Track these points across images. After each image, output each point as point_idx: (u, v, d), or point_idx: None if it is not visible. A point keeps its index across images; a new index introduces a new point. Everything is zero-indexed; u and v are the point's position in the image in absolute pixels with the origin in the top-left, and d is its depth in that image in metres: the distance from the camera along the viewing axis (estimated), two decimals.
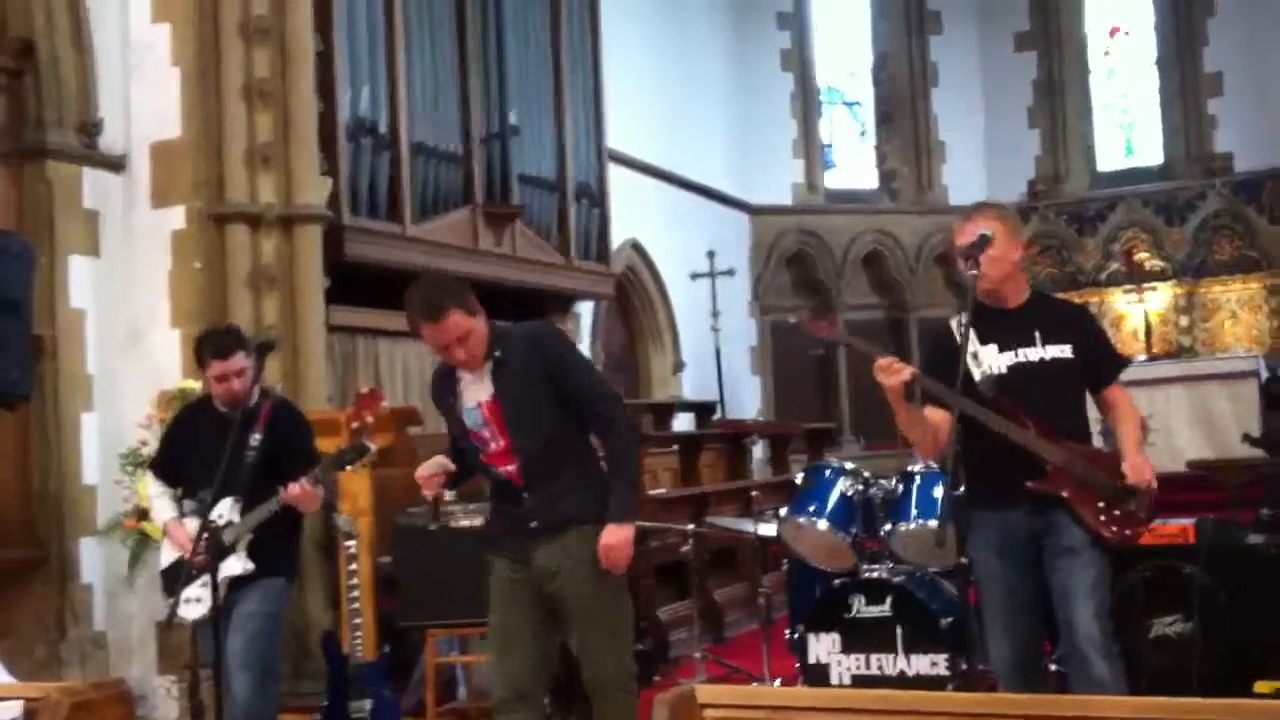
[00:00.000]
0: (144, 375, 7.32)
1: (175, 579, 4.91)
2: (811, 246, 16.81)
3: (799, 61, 16.94)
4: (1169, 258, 16.61)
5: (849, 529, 5.89)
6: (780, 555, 6.84)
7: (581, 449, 4.34)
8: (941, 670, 5.50)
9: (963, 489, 4.15)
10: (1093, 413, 4.38)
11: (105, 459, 7.24)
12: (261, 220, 7.49)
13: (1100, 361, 4.35)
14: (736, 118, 15.75)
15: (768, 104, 16.40)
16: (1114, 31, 17.70)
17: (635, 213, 12.58)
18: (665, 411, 11.63)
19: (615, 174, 11.56)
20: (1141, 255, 16.70)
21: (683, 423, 12.13)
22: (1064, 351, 4.23)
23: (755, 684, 6.38)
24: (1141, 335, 16.14)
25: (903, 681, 5.52)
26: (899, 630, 5.59)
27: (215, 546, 4.70)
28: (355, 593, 5.91)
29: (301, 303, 7.57)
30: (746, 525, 6.95)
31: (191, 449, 5.06)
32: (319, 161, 7.75)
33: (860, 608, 5.68)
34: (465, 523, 6.32)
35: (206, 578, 4.71)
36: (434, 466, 4.26)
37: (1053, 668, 4.97)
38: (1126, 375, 4.48)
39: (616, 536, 4.16)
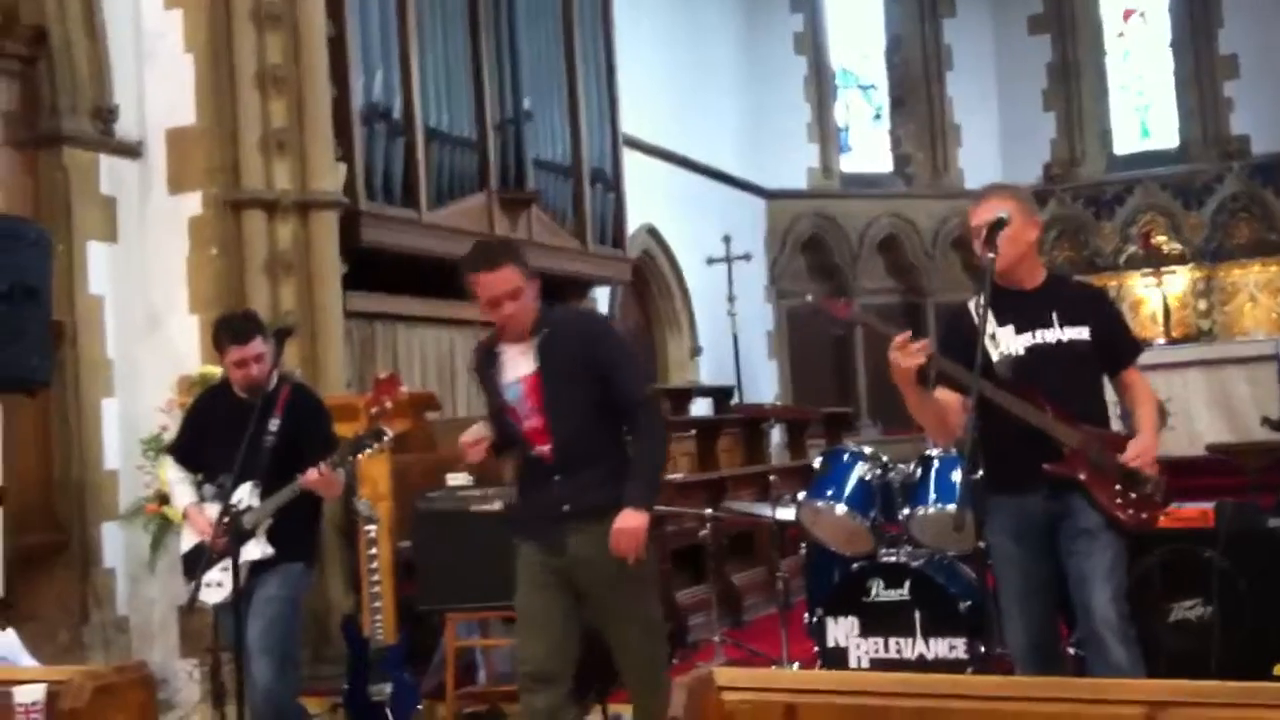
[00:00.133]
0: (163, 361, 7.36)
1: (196, 564, 4.94)
2: (827, 231, 16.78)
3: (812, 45, 16.88)
4: (1187, 241, 16.53)
5: (867, 513, 5.89)
6: (798, 539, 6.84)
7: (616, 441, 4.32)
8: (960, 654, 5.51)
9: (980, 473, 4.16)
10: (1112, 396, 4.37)
11: (126, 444, 7.28)
12: (277, 206, 7.50)
13: (1117, 345, 4.33)
14: (750, 101, 15.71)
15: (781, 87, 16.36)
16: (1128, 14, 17.60)
17: (650, 198, 12.56)
18: (683, 396, 11.63)
19: (630, 159, 11.54)
20: (1159, 239, 16.63)
21: (700, 407, 12.14)
22: (1081, 334, 4.21)
23: (774, 667, 6.38)
24: (1160, 319, 16.09)
25: (921, 665, 5.53)
26: (917, 614, 5.59)
27: (235, 531, 4.72)
28: (375, 577, 5.94)
29: (319, 288, 7.59)
30: (764, 510, 6.95)
31: (210, 434, 5.08)
32: (334, 147, 7.75)
33: (879, 592, 5.69)
34: (484, 507, 6.34)
35: (227, 562, 4.74)
36: (478, 432, 4.25)
37: (1070, 651, 4.97)
38: (1146, 359, 4.47)
39: (630, 521, 4.13)
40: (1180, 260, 16.54)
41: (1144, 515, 4.15)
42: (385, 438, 4.90)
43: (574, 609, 4.27)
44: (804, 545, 6.54)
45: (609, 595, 4.22)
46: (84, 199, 7.36)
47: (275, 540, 4.90)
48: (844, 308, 4.37)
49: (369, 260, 8.14)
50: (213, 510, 4.91)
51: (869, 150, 17.59)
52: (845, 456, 6.10)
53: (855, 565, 5.87)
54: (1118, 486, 4.11)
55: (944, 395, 4.14)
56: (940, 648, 5.55)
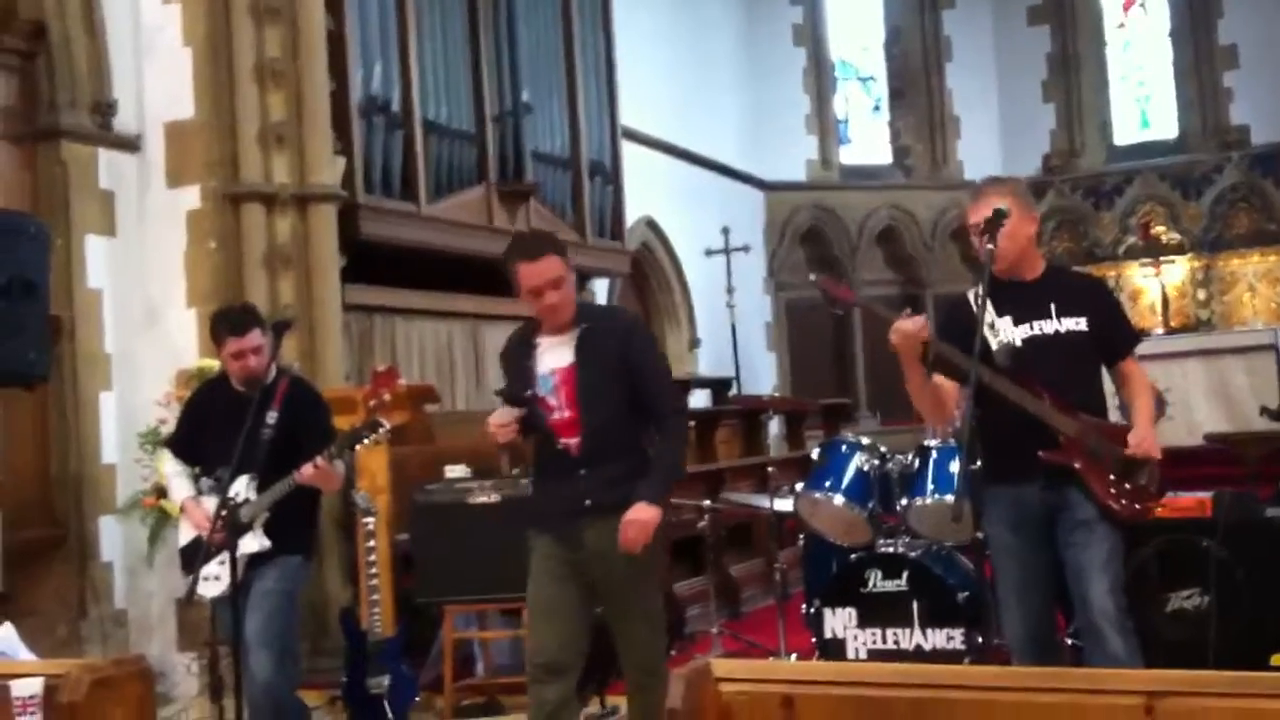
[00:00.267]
0: (162, 354, 7.36)
1: (193, 557, 4.94)
2: (826, 223, 16.77)
3: (811, 36, 16.86)
4: (1186, 231, 16.52)
5: (865, 504, 5.89)
6: (796, 530, 6.85)
7: (639, 440, 4.37)
8: (958, 644, 5.52)
9: (978, 464, 4.16)
10: (1110, 387, 4.38)
11: (124, 438, 7.28)
12: (276, 200, 7.50)
13: (1115, 335, 4.33)
14: (749, 93, 15.70)
15: (780, 79, 16.34)
16: (1128, 5, 17.58)
17: (649, 190, 12.56)
18: (681, 388, 11.63)
19: (629, 151, 11.53)
20: (1158, 229, 16.61)
21: (699, 399, 12.15)
22: (1079, 324, 4.22)
23: (771, 659, 6.39)
24: (1159, 309, 16.08)
25: (919, 655, 5.53)
26: (915, 605, 5.60)
27: (232, 525, 4.72)
28: (373, 569, 5.94)
29: (317, 282, 7.59)
30: (762, 501, 6.96)
31: (208, 427, 5.08)
32: (332, 140, 7.75)
33: (876, 582, 5.69)
34: (482, 499, 6.34)
35: (225, 555, 4.74)
36: (507, 414, 4.26)
37: (1068, 642, 4.98)
38: (1144, 349, 4.48)
39: (642, 514, 4.16)
40: (1179, 250, 16.52)
41: (1137, 506, 4.15)
42: (382, 429, 4.90)
43: (585, 602, 4.31)
44: (802, 536, 6.54)
45: (622, 589, 4.27)
46: (82, 193, 7.36)
47: (273, 533, 4.90)
48: (846, 290, 4.37)
49: (367, 253, 8.14)
50: (210, 504, 4.90)
51: (868, 142, 17.57)
52: (843, 447, 6.10)
53: (853, 556, 5.87)
54: (1112, 477, 4.11)
55: (941, 381, 4.16)
56: (938, 638, 5.55)
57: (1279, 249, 16.20)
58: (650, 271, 13.81)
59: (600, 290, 12.09)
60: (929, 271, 16.96)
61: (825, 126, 16.95)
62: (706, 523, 7.27)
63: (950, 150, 17.35)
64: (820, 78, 16.93)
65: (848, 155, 17.30)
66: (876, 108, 17.70)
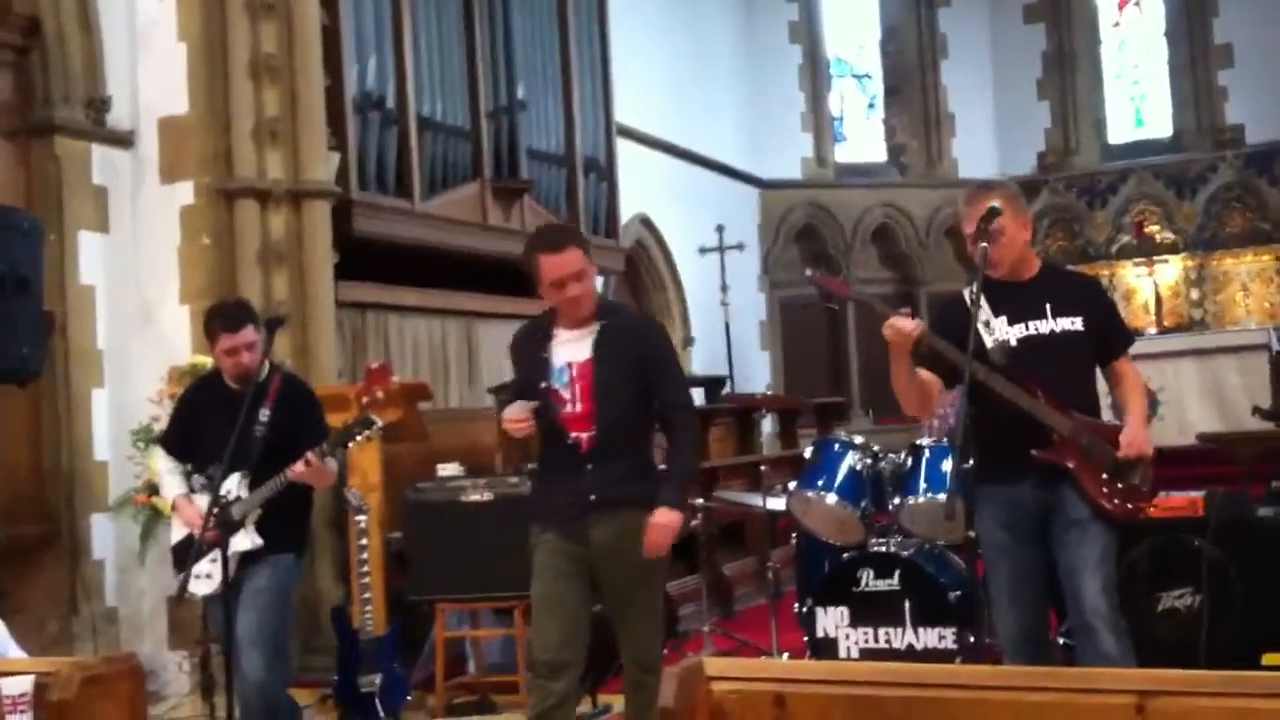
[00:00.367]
0: (155, 351, 7.35)
1: (185, 555, 4.92)
2: (821, 221, 16.77)
3: (807, 34, 16.86)
4: (1180, 230, 16.54)
5: (858, 503, 5.90)
6: (789, 529, 6.84)
7: (645, 439, 4.46)
8: (949, 644, 5.52)
9: (971, 463, 4.16)
10: (1103, 386, 4.38)
11: (116, 435, 7.27)
12: (270, 196, 7.49)
13: (1109, 334, 4.34)
14: (744, 90, 15.69)
15: (776, 77, 16.33)
16: (1123, 3, 17.59)
17: (644, 187, 12.55)
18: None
19: (623, 148, 11.52)
20: (1152, 228, 16.63)
21: (692, 397, 12.12)
22: (1074, 324, 4.22)
23: (763, 657, 6.39)
24: (1152, 308, 16.10)
25: (911, 655, 5.53)
26: (907, 604, 5.60)
27: (224, 522, 4.71)
28: (365, 567, 5.94)
29: (311, 278, 7.58)
30: (755, 499, 6.96)
31: (201, 424, 5.07)
32: (327, 137, 7.73)
33: (869, 581, 5.70)
34: (475, 497, 6.34)
35: (216, 553, 4.73)
36: (523, 409, 4.27)
37: (1060, 641, 4.98)
38: (1137, 348, 4.47)
39: (666, 519, 4.25)
40: (1173, 249, 16.53)
41: (1130, 506, 4.16)
42: (374, 426, 4.89)
43: (588, 597, 4.35)
44: (795, 535, 6.54)
45: (626, 585, 4.31)
46: (76, 189, 7.34)
47: (265, 531, 4.88)
48: (843, 284, 4.39)
49: (361, 250, 8.12)
50: (203, 501, 4.90)
51: (863, 140, 17.57)
52: (836, 446, 6.11)
53: (846, 555, 5.87)
54: (1105, 476, 4.12)
55: (926, 375, 4.20)
56: (930, 637, 5.55)
57: (1272, 248, 16.21)
58: (644, 269, 13.80)
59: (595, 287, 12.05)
60: (924, 269, 16.97)
61: (820, 124, 16.95)
62: (699, 521, 7.27)
63: (945, 148, 17.36)
64: (816, 75, 16.93)
65: (843, 153, 17.30)
66: (872, 105, 17.70)
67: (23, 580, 7.04)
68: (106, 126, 7.53)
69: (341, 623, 6.02)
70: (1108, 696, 2.33)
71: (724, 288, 14.01)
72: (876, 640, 5.65)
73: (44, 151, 7.30)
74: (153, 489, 6.62)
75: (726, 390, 12.83)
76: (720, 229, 14.08)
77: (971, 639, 5.44)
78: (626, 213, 11.79)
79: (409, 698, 6.14)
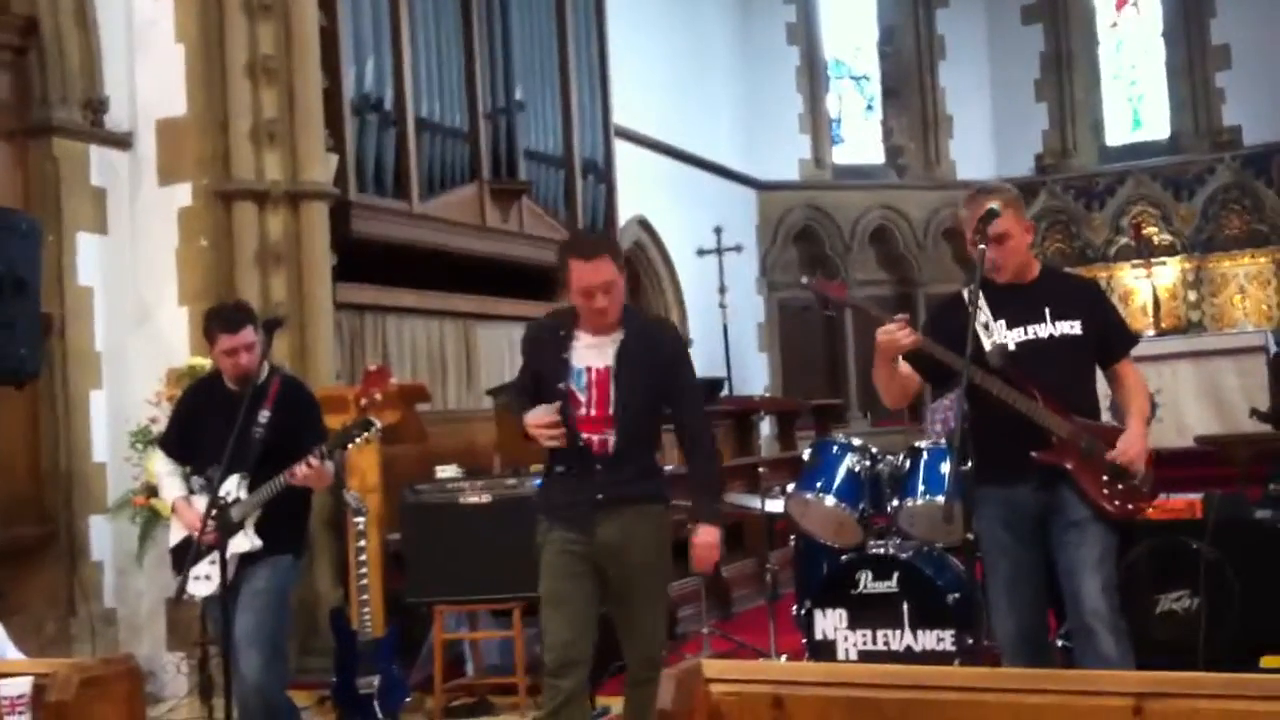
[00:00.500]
0: (153, 353, 7.34)
1: (184, 557, 4.93)
2: (819, 222, 16.76)
3: (805, 35, 16.85)
4: (1178, 232, 16.53)
5: (856, 505, 5.89)
6: (787, 531, 6.84)
7: (654, 443, 4.56)
8: (948, 646, 5.51)
9: (970, 464, 4.16)
10: (1104, 388, 4.38)
11: (114, 437, 7.26)
12: (268, 197, 7.49)
13: (1110, 337, 4.34)
14: (742, 92, 15.69)
15: (774, 78, 16.33)
16: (1121, 4, 17.59)
17: (642, 189, 12.55)
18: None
19: (621, 150, 11.51)
20: (1150, 230, 16.62)
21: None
22: (1073, 328, 4.23)
23: (762, 659, 6.39)
24: (1150, 310, 16.10)
25: (909, 657, 5.53)
26: (905, 606, 5.60)
27: (223, 524, 4.72)
28: (364, 569, 5.94)
29: (309, 280, 7.58)
30: (754, 501, 6.95)
31: (200, 426, 5.07)
32: (324, 138, 7.73)
33: (867, 583, 5.69)
34: (473, 499, 6.34)
35: (215, 555, 4.73)
36: (548, 414, 4.29)
37: (1059, 643, 4.98)
38: (1135, 351, 4.47)
39: (712, 536, 4.44)
40: (1171, 251, 16.52)
41: (1130, 507, 4.16)
42: (373, 428, 4.90)
43: (595, 595, 4.38)
44: (793, 537, 6.54)
45: (632, 581, 4.36)
46: (74, 190, 7.34)
47: (264, 533, 4.89)
48: (840, 288, 4.40)
49: (359, 251, 8.12)
50: (201, 503, 4.90)
51: (861, 141, 17.57)
52: (834, 448, 6.10)
53: (844, 557, 5.87)
54: (1105, 478, 4.12)
55: (906, 370, 4.24)
56: (928, 639, 5.55)
57: (1270, 250, 16.21)
58: (642, 271, 13.80)
59: None
60: (921, 271, 16.97)
61: (818, 126, 16.95)
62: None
63: (943, 150, 17.36)
64: (813, 77, 16.93)
65: (841, 154, 17.30)
66: (870, 107, 17.70)
67: (21, 581, 7.04)
68: (104, 127, 7.53)
69: (340, 624, 6.02)
70: (1106, 698, 2.33)
71: (722, 289, 14.01)
72: (875, 642, 5.65)
73: (42, 152, 7.29)
74: (151, 491, 6.62)
75: (724, 392, 12.82)
76: (718, 231, 14.08)
77: (970, 641, 5.43)
78: (624, 214, 11.79)
79: (407, 699, 6.14)
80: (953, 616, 5.52)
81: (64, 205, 7.27)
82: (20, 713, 2.90)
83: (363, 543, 5.98)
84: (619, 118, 11.45)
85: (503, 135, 9.55)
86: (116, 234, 7.53)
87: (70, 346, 7.25)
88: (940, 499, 5.59)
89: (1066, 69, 17.38)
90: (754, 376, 15.40)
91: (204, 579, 4.88)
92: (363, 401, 5.06)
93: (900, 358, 4.18)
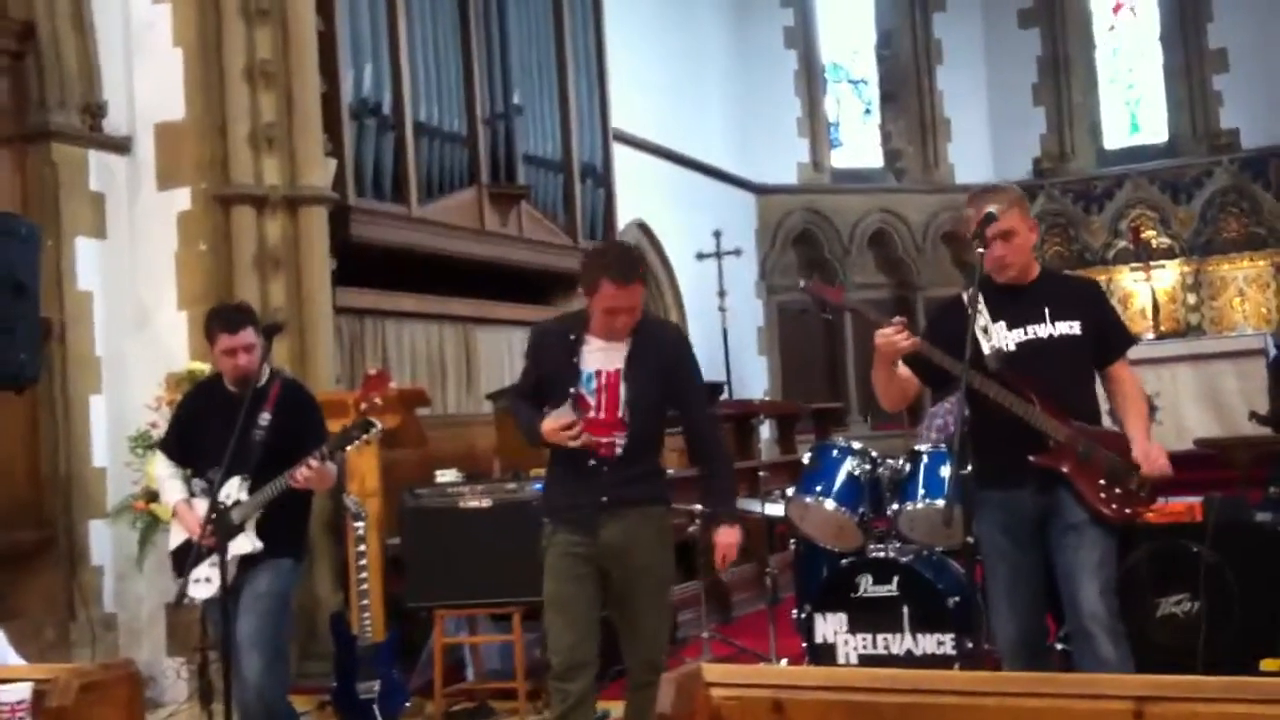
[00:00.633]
0: (152, 357, 7.34)
1: (185, 559, 4.93)
2: (818, 226, 16.77)
3: (802, 39, 16.87)
4: (1176, 235, 16.54)
5: (856, 508, 5.89)
6: (787, 535, 6.84)
7: (659, 445, 4.60)
8: (948, 649, 5.51)
9: (969, 469, 4.17)
10: (1102, 393, 4.38)
11: (114, 441, 7.26)
12: (267, 202, 7.49)
13: (1108, 336, 4.34)
14: (740, 96, 15.69)
15: (772, 82, 16.33)
16: (1118, 8, 17.60)
17: (641, 193, 12.54)
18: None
19: (620, 154, 11.51)
20: (1149, 233, 16.62)
21: None
22: (1073, 328, 4.23)
23: (762, 664, 6.39)
24: (1149, 314, 16.09)
25: (909, 661, 5.53)
26: (906, 609, 5.60)
27: (223, 526, 4.72)
28: (364, 574, 5.94)
29: (308, 284, 7.58)
30: (754, 505, 6.95)
31: (200, 429, 5.08)
32: (323, 142, 7.73)
33: (867, 587, 5.69)
34: (473, 503, 6.34)
35: (216, 557, 4.74)
36: (569, 417, 4.32)
37: (1059, 647, 4.98)
38: (1134, 354, 4.47)
39: (731, 537, 4.52)
40: (1169, 255, 16.53)
41: (1128, 510, 4.16)
42: (373, 429, 4.91)
43: (598, 598, 4.42)
44: (793, 541, 6.54)
45: (636, 583, 4.39)
46: (73, 194, 7.34)
47: (265, 535, 4.89)
48: (838, 291, 4.41)
49: (358, 256, 8.12)
50: (202, 506, 4.90)
51: (859, 145, 17.57)
52: (834, 452, 6.10)
53: (844, 561, 5.87)
54: (1103, 481, 4.12)
55: (904, 373, 4.25)
56: (928, 643, 5.55)
57: (1269, 253, 16.22)
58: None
59: None
60: (920, 275, 16.96)
61: (817, 129, 16.95)
62: (697, 527, 7.26)
63: (941, 153, 17.37)
64: (811, 81, 16.93)
65: (839, 158, 17.31)
66: (868, 110, 17.71)
67: (20, 586, 7.04)
68: (103, 132, 7.53)
69: (340, 629, 6.02)
70: (1106, 702, 2.33)
71: (721, 293, 14.00)
72: (875, 646, 5.64)
73: (40, 157, 7.29)
74: (151, 495, 6.62)
75: (724, 396, 12.81)
76: (717, 234, 14.07)
77: (970, 645, 5.44)
78: (623, 218, 11.79)
79: (407, 704, 6.14)
80: (953, 620, 5.52)
81: (63, 210, 7.27)
82: (20, 718, 2.90)
83: (362, 547, 5.97)
84: (617, 122, 11.45)
85: (501, 139, 9.55)
86: (115, 238, 7.53)
87: (70, 351, 7.24)
88: (940, 503, 5.59)
89: (1064, 73, 17.38)
90: (753, 380, 15.40)
91: (205, 581, 4.88)
92: (363, 406, 5.06)
93: (899, 361, 4.18)
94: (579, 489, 4.37)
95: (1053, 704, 2.37)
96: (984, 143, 17.11)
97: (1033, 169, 17.24)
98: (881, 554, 5.79)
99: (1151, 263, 16.41)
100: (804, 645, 5.87)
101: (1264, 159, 16.15)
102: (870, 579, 5.69)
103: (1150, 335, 15.14)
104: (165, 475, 5.22)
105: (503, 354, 9.66)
